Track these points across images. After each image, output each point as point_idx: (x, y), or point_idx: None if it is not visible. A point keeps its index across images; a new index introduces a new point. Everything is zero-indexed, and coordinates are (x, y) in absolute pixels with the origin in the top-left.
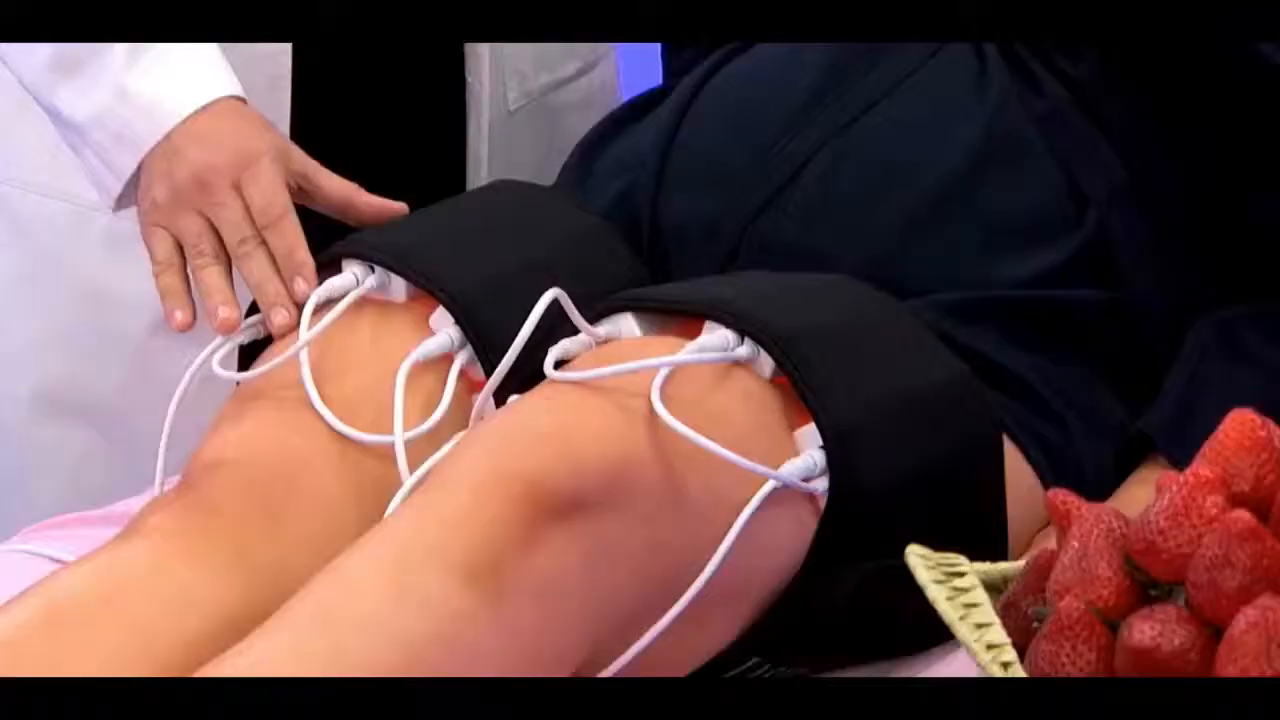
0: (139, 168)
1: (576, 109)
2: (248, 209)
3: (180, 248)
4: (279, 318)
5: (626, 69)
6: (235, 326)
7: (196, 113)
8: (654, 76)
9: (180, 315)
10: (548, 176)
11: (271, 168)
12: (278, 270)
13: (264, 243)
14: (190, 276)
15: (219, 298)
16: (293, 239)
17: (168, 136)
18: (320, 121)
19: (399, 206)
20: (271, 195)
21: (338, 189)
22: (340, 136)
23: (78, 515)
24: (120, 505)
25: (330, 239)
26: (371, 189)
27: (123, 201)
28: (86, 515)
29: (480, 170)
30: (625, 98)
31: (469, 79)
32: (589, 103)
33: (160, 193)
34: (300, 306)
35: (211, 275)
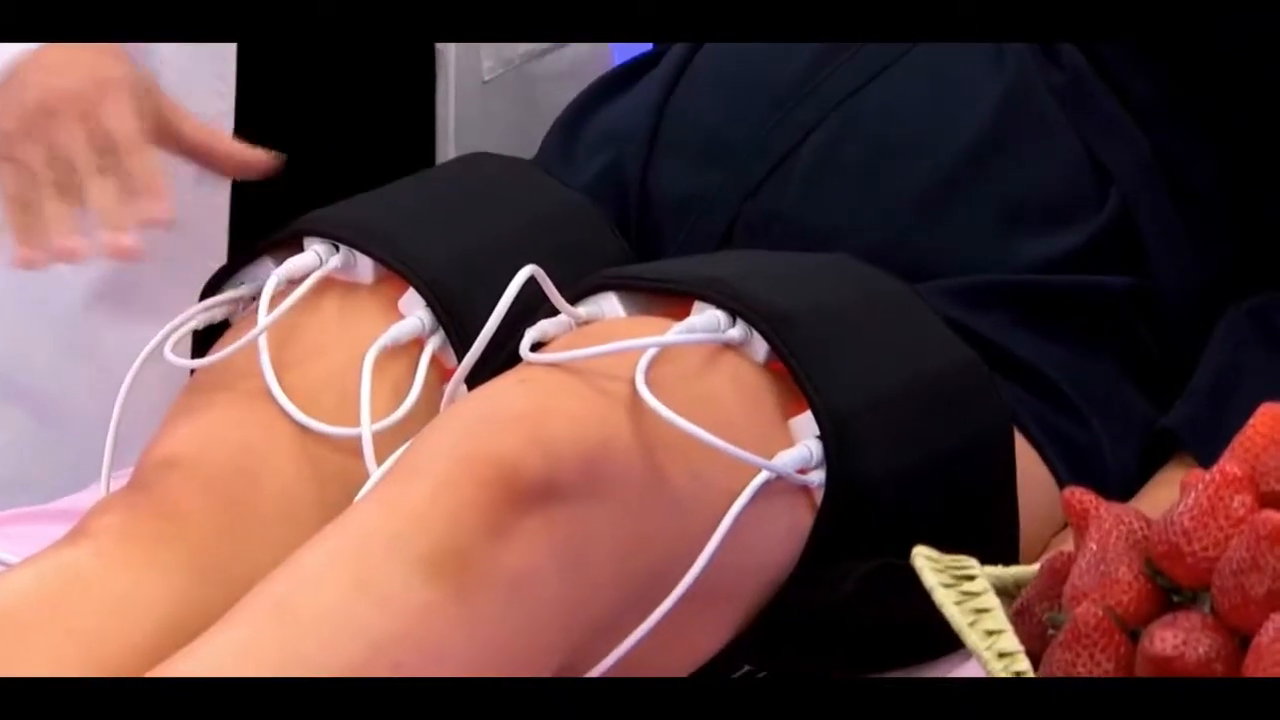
0: None
1: (560, 80)
2: (99, 138)
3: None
4: (123, 242)
5: None
6: (75, 255)
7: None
8: (645, 45)
9: (23, 251)
10: (525, 153)
11: (127, 98)
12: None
13: (116, 175)
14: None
15: (58, 227)
16: (151, 167)
17: (14, 69)
18: (270, 89)
19: (264, 157)
20: (126, 124)
21: (197, 133)
22: (293, 106)
23: (15, 511)
24: (63, 501)
25: (286, 219)
26: (331, 164)
27: None
28: (25, 511)
29: (449, 145)
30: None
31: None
32: (574, 73)
33: (7, 124)
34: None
35: (54, 206)
